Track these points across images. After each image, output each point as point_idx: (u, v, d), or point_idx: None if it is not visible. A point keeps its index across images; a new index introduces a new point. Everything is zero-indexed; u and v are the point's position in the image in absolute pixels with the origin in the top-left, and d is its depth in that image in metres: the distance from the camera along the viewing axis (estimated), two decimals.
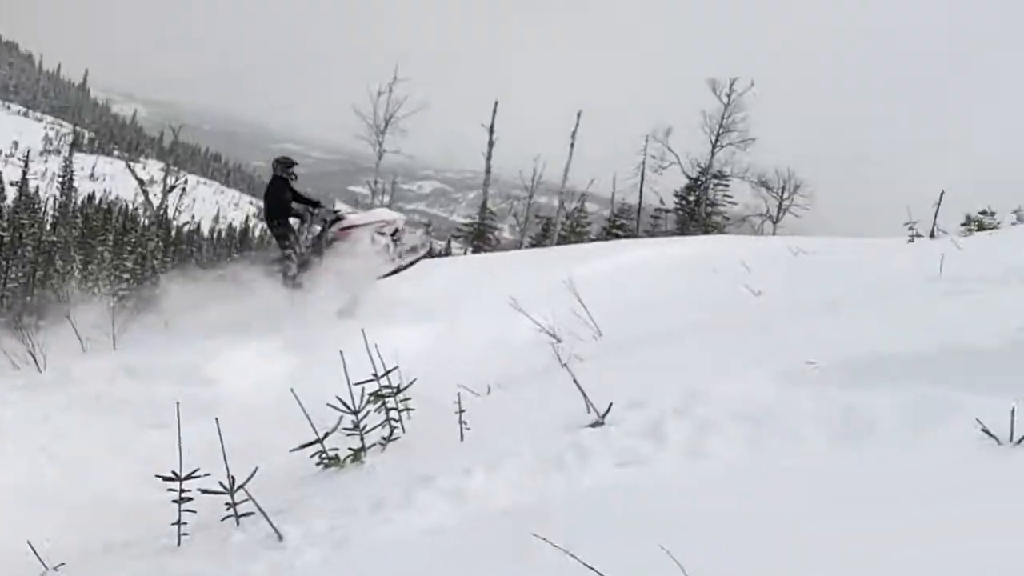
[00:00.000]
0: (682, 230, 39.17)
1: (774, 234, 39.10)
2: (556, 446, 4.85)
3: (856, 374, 5.25)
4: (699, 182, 41.26)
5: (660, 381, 5.95)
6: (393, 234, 12.81)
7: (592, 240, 36.10)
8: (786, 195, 42.92)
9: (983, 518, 3.14)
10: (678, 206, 41.88)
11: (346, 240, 12.42)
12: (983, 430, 3.81)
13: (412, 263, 13.01)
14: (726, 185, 41.77)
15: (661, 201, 41.80)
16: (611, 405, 5.17)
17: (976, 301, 7.35)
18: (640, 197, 41.12)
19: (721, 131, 39.84)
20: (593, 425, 5.11)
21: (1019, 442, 3.70)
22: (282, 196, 12.61)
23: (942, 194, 25.88)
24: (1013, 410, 3.76)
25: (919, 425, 4.49)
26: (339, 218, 12.81)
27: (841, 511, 3.55)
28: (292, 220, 12.64)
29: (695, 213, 40.67)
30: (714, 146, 40.21)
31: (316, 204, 12.98)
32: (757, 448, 4.65)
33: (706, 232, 37.08)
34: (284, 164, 12.79)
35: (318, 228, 12.55)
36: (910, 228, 19.76)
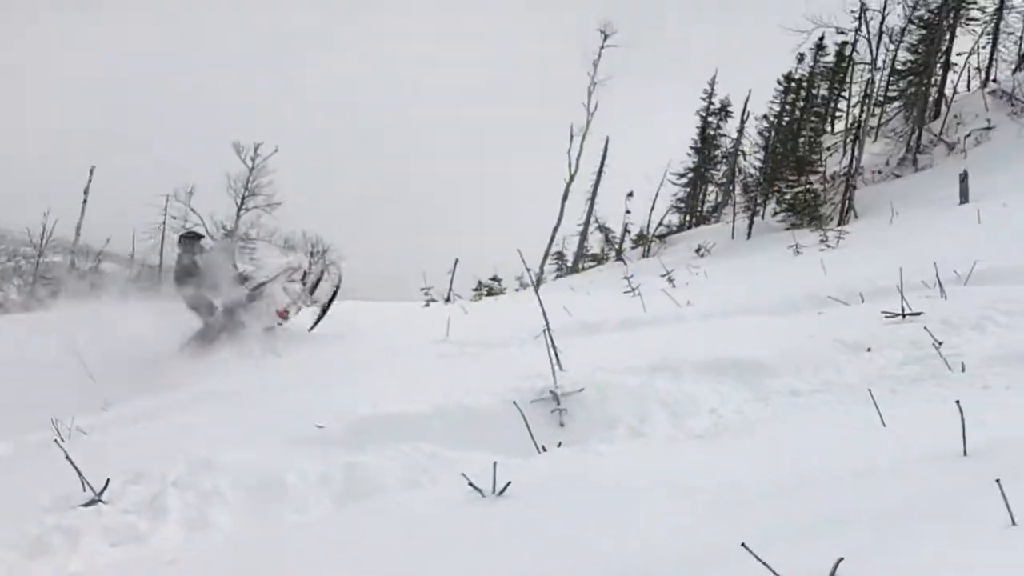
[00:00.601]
0: None
1: None
2: (40, 529, 4.43)
3: (363, 435, 5.43)
4: None
5: (167, 452, 5.70)
6: (303, 278, 12.46)
7: None
8: (315, 259, 43.74)
9: (468, 565, 3.37)
10: None
11: (261, 300, 11.92)
12: (470, 484, 4.08)
13: (334, 296, 12.63)
14: (252, 248, 41.60)
15: None
16: (108, 481, 4.84)
17: (477, 363, 7.95)
18: (161, 258, 39.51)
19: (246, 194, 39.68)
20: (88, 503, 4.74)
21: (500, 493, 4.01)
22: (193, 272, 12.03)
23: (456, 261, 27.92)
24: (495, 464, 4.09)
25: (417, 481, 4.74)
26: (245, 279, 12.20)
27: (343, 567, 3.63)
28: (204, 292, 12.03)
29: None
30: (239, 209, 39.94)
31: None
32: (264, 514, 4.62)
33: None
34: (191, 238, 12.58)
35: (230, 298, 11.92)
36: (426, 293, 21.08)
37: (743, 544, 2.74)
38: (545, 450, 5.08)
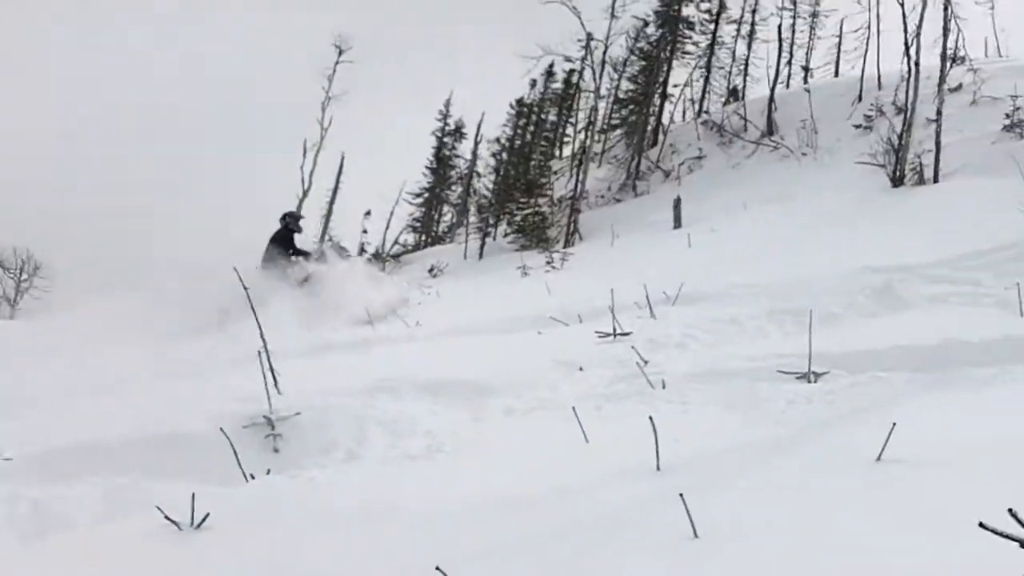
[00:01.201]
0: None
1: (12, 318, 36.63)
2: None
3: (54, 467, 5.01)
4: None
5: None
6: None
7: None
8: (24, 277, 40.57)
9: None
10: None
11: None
12: (165, 517, 3.85)
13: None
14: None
15: None
16: None
17: (189, 386, 7.57)
18: None
19: None
20: None
21: (198, 526, 3.81)
22: (284, 247, 14.05)
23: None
24: (193, 495, 3.89)
25: (112, 515, 4.43)
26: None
27: None
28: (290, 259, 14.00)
29: None
30: None
31: (307, 254, 14.54)
32: None
33: None
34: (295, 218, 14.88)
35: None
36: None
37: (438, 567, 2.73)
38: (254, 478, 4.89)
